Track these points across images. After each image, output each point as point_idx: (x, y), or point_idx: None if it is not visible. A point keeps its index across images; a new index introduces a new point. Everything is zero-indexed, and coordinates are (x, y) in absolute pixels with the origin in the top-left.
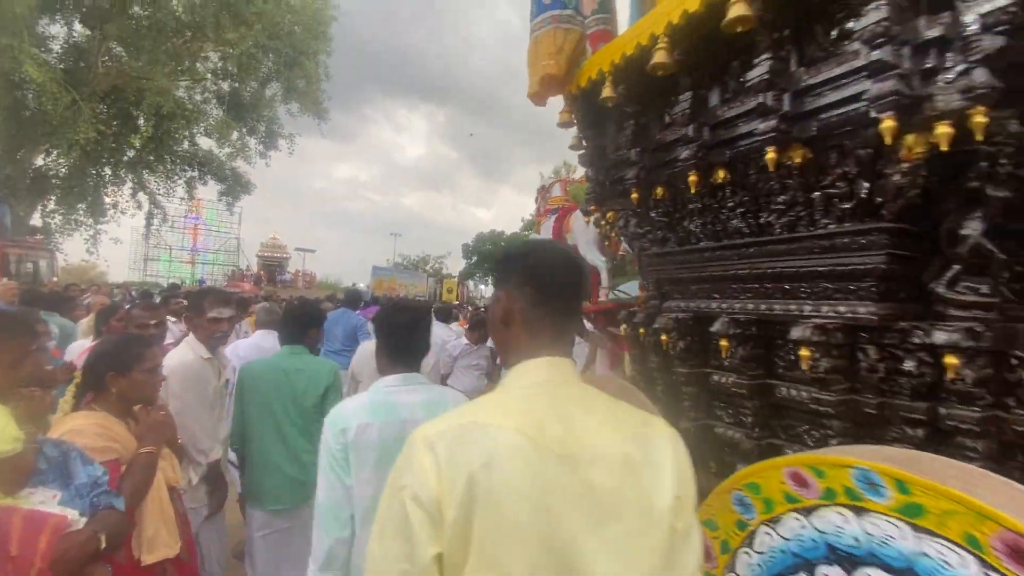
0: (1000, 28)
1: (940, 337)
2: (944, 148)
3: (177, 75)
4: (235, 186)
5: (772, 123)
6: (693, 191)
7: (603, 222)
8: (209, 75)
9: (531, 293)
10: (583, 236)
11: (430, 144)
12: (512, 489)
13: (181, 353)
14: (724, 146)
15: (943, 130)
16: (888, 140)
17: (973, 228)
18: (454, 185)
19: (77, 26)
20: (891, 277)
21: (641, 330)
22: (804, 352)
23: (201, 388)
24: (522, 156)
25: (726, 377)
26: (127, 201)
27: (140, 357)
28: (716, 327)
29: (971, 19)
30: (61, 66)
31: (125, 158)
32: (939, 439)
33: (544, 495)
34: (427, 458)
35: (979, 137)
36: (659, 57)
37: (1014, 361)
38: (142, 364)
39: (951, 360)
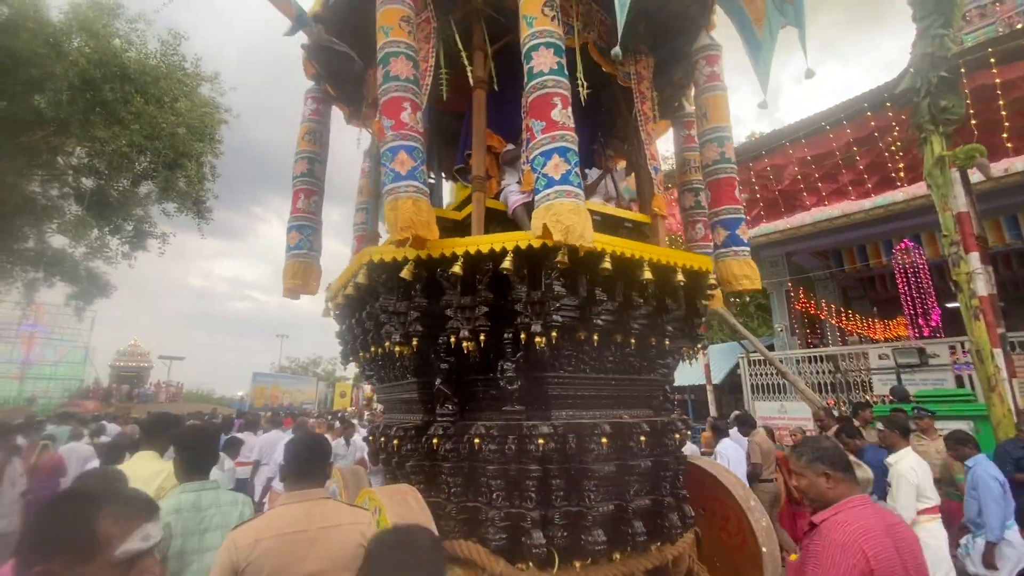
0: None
1: (435, 431)
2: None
3: (31, 169)
4: (89, 288)
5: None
6: (364, 360)
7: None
8: (71, 171)
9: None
10: None
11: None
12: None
13: None
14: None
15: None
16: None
17: (437, 380)
18: None
19: None
20: (426, 402)
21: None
22: (395, 442)
23: None
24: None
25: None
26: None
27: None
28: (389, 433)
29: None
30: None
31: None
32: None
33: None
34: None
35: (424, 349)
36: (342, 296)
37: (475, 439)
38: None
39: (436, 441)
